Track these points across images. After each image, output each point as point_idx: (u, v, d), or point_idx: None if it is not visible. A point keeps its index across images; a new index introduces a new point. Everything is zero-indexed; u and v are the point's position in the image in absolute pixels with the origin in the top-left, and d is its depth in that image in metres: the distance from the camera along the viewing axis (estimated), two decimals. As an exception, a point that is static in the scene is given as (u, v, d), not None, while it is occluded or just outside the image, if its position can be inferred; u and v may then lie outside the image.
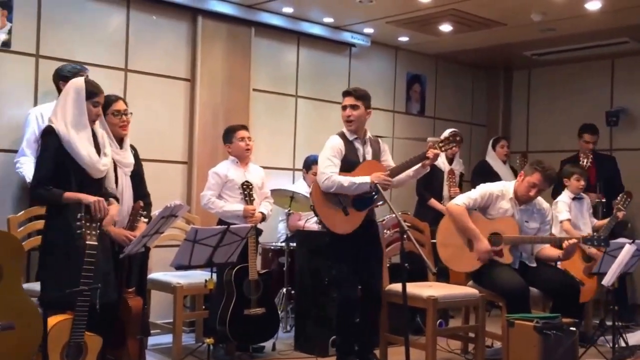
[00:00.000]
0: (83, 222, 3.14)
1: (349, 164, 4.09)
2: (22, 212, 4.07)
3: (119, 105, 3.79)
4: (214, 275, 3.92)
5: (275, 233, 5.79)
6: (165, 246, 4.74)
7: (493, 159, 6.48)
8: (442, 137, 4.51)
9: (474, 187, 4.60)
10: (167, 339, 4.63)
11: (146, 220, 3.75)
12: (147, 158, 4.27)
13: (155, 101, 5.35)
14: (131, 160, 3.82)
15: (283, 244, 5.23)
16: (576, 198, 5.32)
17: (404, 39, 6.66)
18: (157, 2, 5.30)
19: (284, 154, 6.19)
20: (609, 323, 4.65)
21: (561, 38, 6.38)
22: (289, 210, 5.33)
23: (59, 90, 4.23)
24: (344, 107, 4.15)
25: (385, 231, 4.69)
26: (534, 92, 7.81)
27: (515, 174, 5.88)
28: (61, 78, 4.31)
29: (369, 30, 6.39)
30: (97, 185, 3.42)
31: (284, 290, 5.15)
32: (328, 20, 6.09)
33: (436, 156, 4.13)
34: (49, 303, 3.22)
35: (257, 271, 4.43)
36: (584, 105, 7.23)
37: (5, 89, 4.62)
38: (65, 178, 3.31)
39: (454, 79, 7.64)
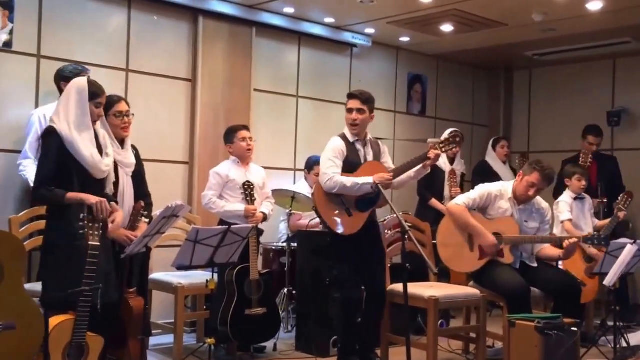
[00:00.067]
0: (85, 222, 3.14)
1: (350, 165, 4.09)
2: (24, 212, 4.07)
3: (121, 107, 3.78)
4: (215, 276, 3.92)
5: (277, 233, 5.79)
6: (167, 246, 4.74)
7: (493, 159, 6.47)
8: (442, 137, 4.51)
9: (474, 188, 4.60)
10: (169, 339, 4.64)
11: (147, 220, 3.75)
12: (148, 158, 4.27)
13: (156, 101, 5.35)
14: (132, 160, 3.82)
15: (284, 244, 5.23)
16: (578, 198, 5.32)
17: (405, 39, 6.66)
18: (158, 2, 5.31)
19: (285, 154, 6.20)
20: (610, 323, 4.64)
21: (562, 38, 6.37)
22: (290, 211, 5.33)
23: (61, 91, 4.23)
24: (350, 110, 4.13)
25: (386, 231, 4.69)
26: (535, 92, 7.81)
27: (515, 174, 5.88)
28: (62, 79, 4.32)
29: (370, 30, 6.39)
30: (99, 186, 3.42)
31: (285, 290, 5.15)
32: (329, 20, 6.09)
33: (437, 157, 4.13)
34: (51, 303, 3.22)
35: (258, 271, 4.43)
36: (585, 106, 7.23)
37: (7, 90, 4.62)
38: (68, 178, 3.31)
39: (455, 79, 7.64)
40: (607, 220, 5.26)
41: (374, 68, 6.84)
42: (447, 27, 6.13)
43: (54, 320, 3.09)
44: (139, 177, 3.88)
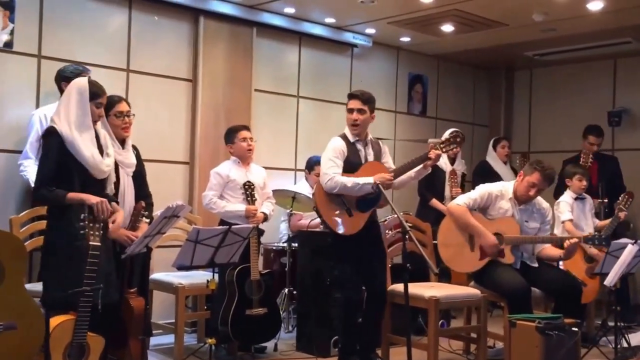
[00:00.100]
0: (86, 222, 3.14)
1: (351, 166, 4.09)
2: (24, 212, 4.08)
3: (122, 107, 3.78)
4: (216, 276, 3.91)
5: (277, 233, 5.79)
6: (167, 246, 4.74)
7: (493, 160, 6.47)
8: (442, 138, 4.50)
9: (475, 188, 4.60)
10: (169, 339, 4.64)
11: (148, 220, 3.75)
12: (148, 158, 4.27)
13: (157, 101, 5.35)
14: (133, 160, 3.82)
15: (285, 244, 5.23)
16: (578, 198, 5.31)
17: (405, 39, 6.66)
18: (159, 3, 5.31)
19: (285, 155, 6.20)
20: (611, 323, 4.64)
21: (563, 38, 6.37)
22: (291, 211, 5.33)
23: (61, 91, 4.23)
24: (351, 110, 4.13)
25: (387, 231, 4.69)
26: (536, 92, 7.81)
27: (516, 174, 5.87)
28: (63, 79, 4.31)
29: (370, 30, 6.39)
30: (99, 186, 3.42)
31: (286, 290, 5.15)
32: (330, 20, 6.09)
33: (438, 157, 4.13)
34: (52, 303, 3.22)
35: (259, 271, 4.43)
36: (586, 106, 7.23)
37: (8, 90, 4.63)
38: (68, 179, 3.31)
39: (456, 79, 7.64)
40: (608, 221, 5.26)
41: (374, 68, 6.84)
42: (447, 27, 6.13)
43: (54, 321, 3.09)
44: (139, 177, 3.88)
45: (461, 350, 4.75)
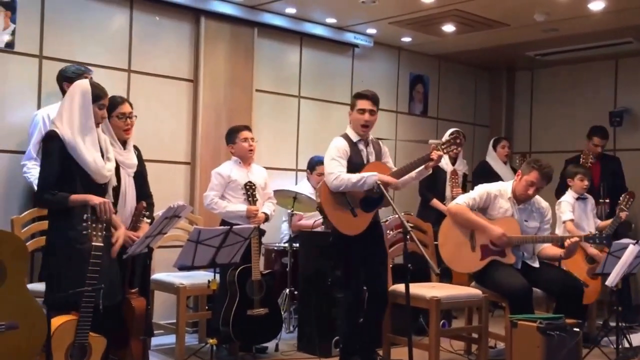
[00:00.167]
0: (89, 223, 3.14)
1: (354, 166, 4.08)
2: (26, 212, 4.08)
3: (124, 108, 3.77)
4: (217, 276, 3.92)
5: (278, 233, 5.80)
6: (169, 247, 4.75)
7: (494, 160, 6.46)
8: (443, 139, 4.50)
9: (474, 188, 4.60)
10: (170, 339, 4.64)
11: (149, 220, 3.75)
12: (149, 159, 4.27)
13: (158, 102, 5.36)
14: (134, 161, 3.82)
15: (286, 245, 5.23)
16: (580, 198, 5.31)
17: (406, 39, 6.66)
18: (160, 3, 5.31)
19: (286, 155, 6.20)
20: (612, 324, 4.64)
21: (564, 38, 6.37)
22: (292, 211, 5.33)
23: (63, 92, 4.23)
24: (362, 111, 4.11)
25: (388, 232, 4.69)
26: (537, 92, 7.81)
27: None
28: (65, 79, 4.32)
29: (371, 30, 6.39)
30: (101, 190, 3.42)
31: (287, 290, 5.14)
32: (331, 20, 6.09)
33: (440, 158, 4.13)
34: (54, 304, 3.23)
35: (260, 272, 4.43)
36: (587, 106, 7.23)
37: (9, 90, 4.63)
38: (70, 182, 3.30)
39: (457, 79, 7.64)
40: (609, 221, 5.26)
41: (375, 68, 6.84)
42: (448, 28, 6.12)
43: (56, 321, 3.10)
44: (140, 177, 3.88)
45: (462, 350, 4.75)
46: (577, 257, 4.89)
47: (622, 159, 6.36)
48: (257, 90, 5.86)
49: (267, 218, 4.66)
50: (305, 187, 5.64)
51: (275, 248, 5.43)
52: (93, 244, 3.12)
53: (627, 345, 4.57)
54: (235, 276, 4.35)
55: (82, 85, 3.40)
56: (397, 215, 3.86)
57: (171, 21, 5.43)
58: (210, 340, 3.81)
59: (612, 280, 4.17)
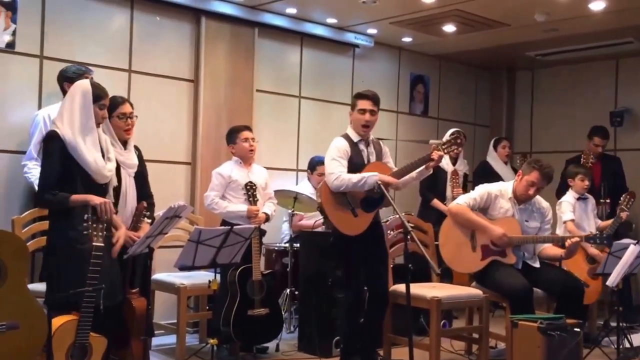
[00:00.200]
0: (90, 223, 3.14)
1: (354, 166, 4.08)
2: (27, 212, 4.08)
3: (125, 108, 3.77)
4: (218, 276, 3.92)
5: (279, 234, 5.80)
6: (169, 247, 4.74)
7: (494, 160, 6.46)
8: (444, 139, 4.50)
9: (474, 188, 4.60)
10: (171, 339, 4.64)
11: (149, 220, 3.75)
12: (150, 159, 4.27)
13: (159, 102, 5.36)
14: (135, 161, 3.82)
15: (287, 245, 5.23)
16: (581, 198, 5.31)
17: (407, 39, 6.66)
18: (160, 3, 5.31)
19: (287, 155, 6.20)
20: (613, 324, 4.64)
21: (565, 38, 6.37)
22: (293, 211, 5.33)
23: (64, 92, 4.23)
24: (363, 111, 4.10)
25: (388, 232, 4.68)
26: (538, 92, 7.81)
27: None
28: (66, 79, 4.32)
29: (372, 30, 6.39)
30: (101, 190, 3.42)
31: (288, 290, 5.14)
32: (331, 21, 6.09)
33: (440, 158, 4.13)
34: (55, 304, 3.23)
35: (260, 272, 4.43)
36: (587, 106, 7.23)
37: (10, 90, 4.63)
38: (71, 182, 3.30)
39: (458, 79, 7.64)
40: (610, 221, 5.26)
41: (376, 68, 6.84)
42: (449, 28, 6.12)
43: (57, 321, 3.10)
44: (141, 177, 3.88)
45: (463, 350, 4.75)
46: (578, 257, 4.89)
47: (622, 159, 6.36)
48: (257, 91, 5.86)
49: (267, 218, 4.66)
50: (305, 187, 5.63)
51: (276, 248, 5.43)
52: (94, 244, 3.13)
53: (627, 345, 4.57)
54: (235, 276, 4.35)
55: (82, 86, 3.40)
56: (397, 216, 3.86)
57: (171, 21, 5.43)
58: (211, 341, 3.81)
59: (612, 280, 4.17)
